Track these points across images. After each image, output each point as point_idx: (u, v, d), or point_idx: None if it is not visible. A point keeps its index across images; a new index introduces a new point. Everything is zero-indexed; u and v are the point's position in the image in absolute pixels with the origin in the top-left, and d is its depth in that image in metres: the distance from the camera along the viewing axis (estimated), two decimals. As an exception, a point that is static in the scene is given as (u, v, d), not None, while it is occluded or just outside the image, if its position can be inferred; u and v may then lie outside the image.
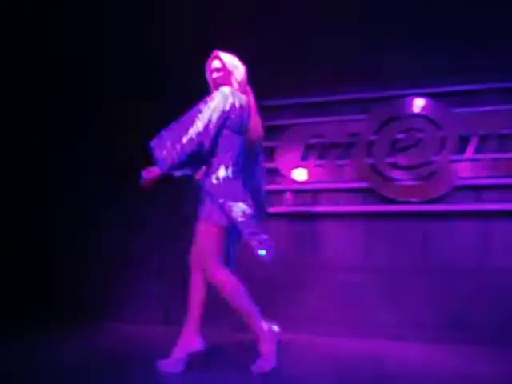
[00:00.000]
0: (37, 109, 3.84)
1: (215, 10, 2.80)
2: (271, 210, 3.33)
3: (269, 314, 2.07)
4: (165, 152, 2.01)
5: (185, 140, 2.00)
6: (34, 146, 3.87)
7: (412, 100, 3.21)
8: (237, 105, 2.09)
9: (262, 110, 3.42)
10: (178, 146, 2.00)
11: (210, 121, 2.02)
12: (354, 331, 2.97)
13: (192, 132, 2.01)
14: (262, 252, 1.98)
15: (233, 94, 2.11)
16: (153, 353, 2.16)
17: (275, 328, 2.02)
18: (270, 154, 3.45)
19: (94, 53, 3.34)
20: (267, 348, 1.95)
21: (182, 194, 3.30)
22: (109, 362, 2.18)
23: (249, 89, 2.25)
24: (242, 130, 2.13)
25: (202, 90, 2.23)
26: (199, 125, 2.01)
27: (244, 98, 2.16)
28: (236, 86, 2.17)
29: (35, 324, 3.18)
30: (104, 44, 3.23)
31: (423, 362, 2.35)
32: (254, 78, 2.34)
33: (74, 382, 1.87)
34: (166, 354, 2.00)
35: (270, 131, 3.49)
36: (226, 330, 2.81)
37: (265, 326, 1.97)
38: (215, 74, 2.21)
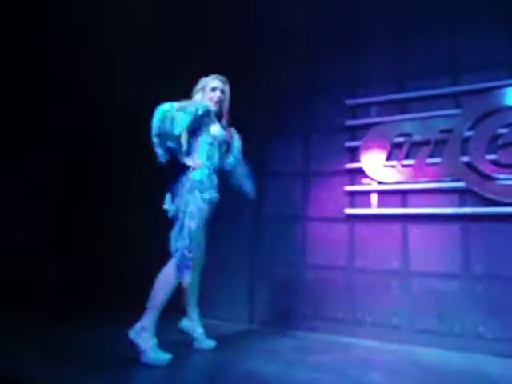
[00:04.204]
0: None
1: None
2: (355, 211, 3.23)
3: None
4: None
5: None
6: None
7: (513, 91, 2.91)
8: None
9: (348, 108, 3.37)
10: None
11: None
12: (452, 343, 2.77)
13: None
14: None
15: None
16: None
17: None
18: (354, 153, 3.35)
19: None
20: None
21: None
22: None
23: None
24: None
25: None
26: None
27: None
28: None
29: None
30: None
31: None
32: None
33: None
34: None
35: (354, 130, 3.39)
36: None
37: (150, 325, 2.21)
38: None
